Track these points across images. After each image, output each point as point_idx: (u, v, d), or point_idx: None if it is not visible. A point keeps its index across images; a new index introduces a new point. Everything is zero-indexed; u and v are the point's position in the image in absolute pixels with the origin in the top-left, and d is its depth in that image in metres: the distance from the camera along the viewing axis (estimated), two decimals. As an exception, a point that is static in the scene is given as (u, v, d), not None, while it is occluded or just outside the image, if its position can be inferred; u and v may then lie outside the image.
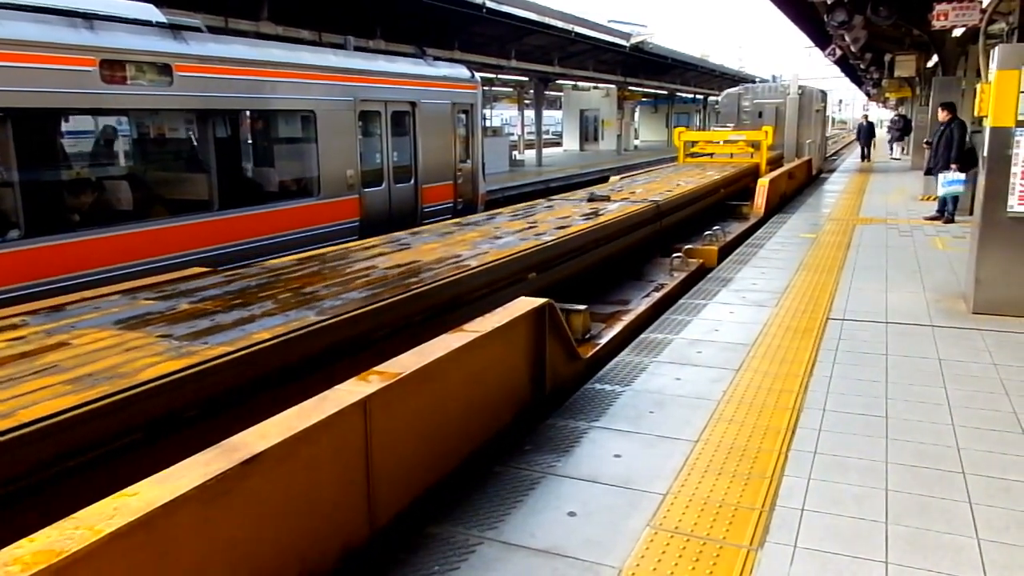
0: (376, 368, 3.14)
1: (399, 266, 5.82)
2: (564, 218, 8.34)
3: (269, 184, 9.05)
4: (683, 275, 8.70)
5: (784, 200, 15.12)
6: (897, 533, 3.07)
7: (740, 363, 5.18)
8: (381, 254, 6.39)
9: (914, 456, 3.76)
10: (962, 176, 11.12)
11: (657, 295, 7.96)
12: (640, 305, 7.59)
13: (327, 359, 4.08)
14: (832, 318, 6.31)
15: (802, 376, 4.91)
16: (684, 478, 3.54)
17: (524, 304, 4.27)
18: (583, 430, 4.10)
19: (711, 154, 18.58)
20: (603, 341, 6.24)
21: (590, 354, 5.68)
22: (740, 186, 14.96)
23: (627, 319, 6.98)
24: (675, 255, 9.11)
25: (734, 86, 23.77)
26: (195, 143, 8.25)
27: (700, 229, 11.28)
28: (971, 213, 8.90)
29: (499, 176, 23.43)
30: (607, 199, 10.00)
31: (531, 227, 7.72)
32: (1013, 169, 6.14)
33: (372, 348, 4.34)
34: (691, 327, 6.09)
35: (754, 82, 24.78)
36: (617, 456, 3.78)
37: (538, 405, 4.36)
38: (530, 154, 32.96)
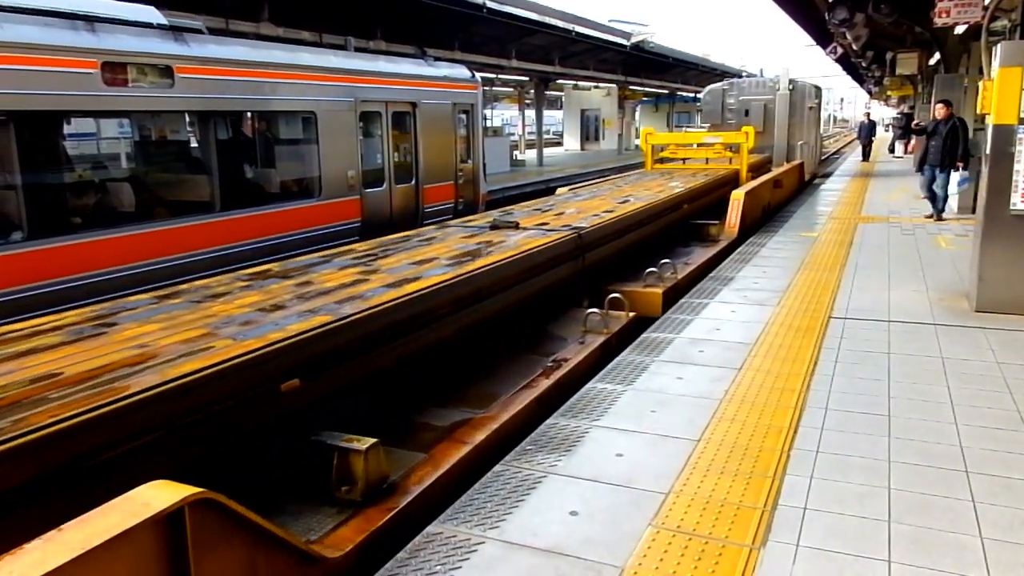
0: None
1: None
2: (427, 261, 5.75)
3: (270, 185, 9.06)
4: (599, 340, 6.06)
5: (767, 213, 12.78)
6: (900, 532, 3.06)
7: (742, 362, 5.17)
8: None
9: (917, 455, 3.75)
10: (967, 174, 11.11)
11: (538, 388, 5.08)
12: (506, 411, 4.69)
13: None
14: (834, 316, 6.30)
15: (804, 375, 4.91)
16: (686, 477, 3.53)
17: (136, 509, 2.10)
18: (585, 429, 4.09)
19: (683, 160, 15.85)
20: (404, 501, 3.61)
21: (360, 541, 3.26)
22: (712, 199, 12.06)
23: (462, 452, 4.11)
24: (589, 311, 6.37)
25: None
26: (196, 145, 8.25)
27: (652, 258, 8.34)
28: (973, 211, 8.89)
29: (500, 176, 23.43)
30: (515, 226, 7.38)
31: (362, 280, 5.13)
32: (1016, 167, 6.12)
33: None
34: (692, 326, 6.09)
35: (740, 76, 22.05)
36: (619, 455, 3.78)
37: None
38: (531, 154, 32.99)
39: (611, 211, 8.48)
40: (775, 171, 15.23)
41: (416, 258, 5.95)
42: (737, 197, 10.81)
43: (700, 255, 9.52)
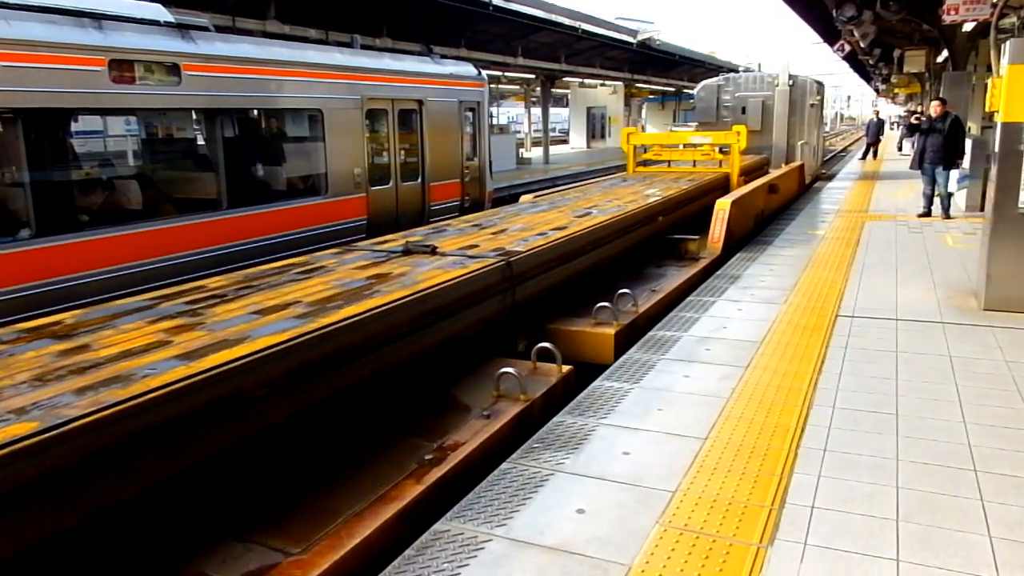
0: None
1: None
2: (280, 308, 4.30)
3: (277, 183, 9.07)
4: (514, 411, 4.52)
5: (760, 223, 11.41)
6: (908, 531, 3.05)
7: (749, 360, 5.16)
8: None
9: (925, 453, 3.74)
10: (967, 171, 11.06)
11: (396, 503, 3.50)
12: (333, 550, 3.13)
13: None
14: (841, 315, 6.28)
15: (812, 373, 4.89)
16: (693, 476, 3.53)
17: None
18: (592, 427, 4.09)
19: (668, 162, 14.38)
20: None
21: None
22: (696, 208, 10.61)
23: None
24: (503, 371, 4.73)
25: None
26: (203, 142, 8.27)
27: (616, 283, 7.19)
28: (981, 209, 8.86)
29: (506, 174, 23.43)
30: (431, 251, 5.88)
31: (162, 344, 3.66)
32: (1025, 165, 6.09)
33: None
34: (699, 324, 6.07)
35: (736, 71, 20.14)
36: (626, 453, 3.77)
37: None
38: (537, 152, 32.97)
39: (564, 227, 7.06)
40: (771, 174, 13.77)
41: (271, 301, 4.44)
42: (722, 207, 9.32)
43: (673, 279, 8.01)
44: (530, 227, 7.22)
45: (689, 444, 3.87)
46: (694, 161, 13.77)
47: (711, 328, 5.96)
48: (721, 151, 13.40)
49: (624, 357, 5.32)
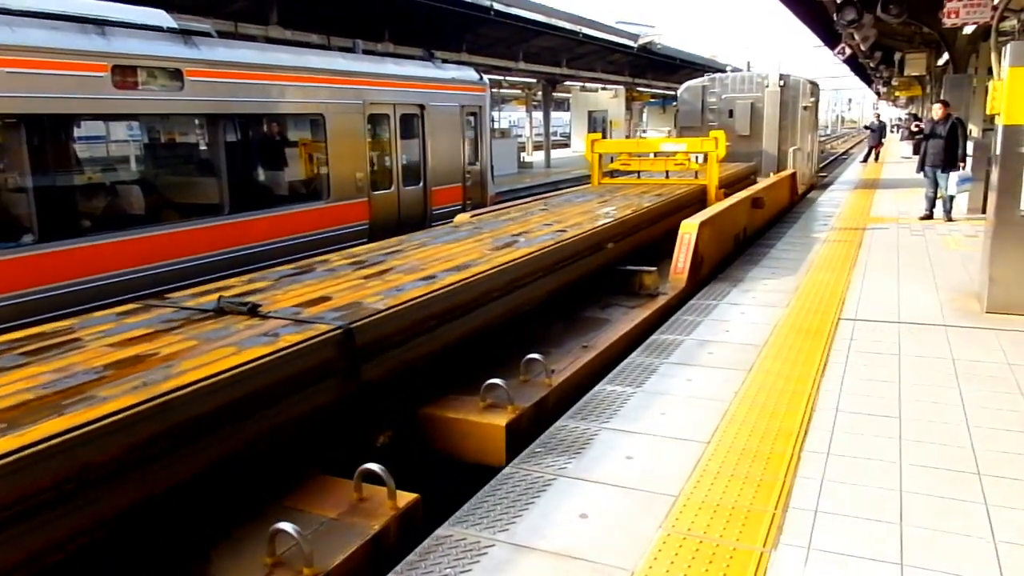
0: None
1: None
2: None
3: (279, 187, 9.10)
4: None
5: (740, 245, 9.82)
6: (912, 535, 3.04)
7: (751, 364, 5.15)
8: None
9: (929, 457, 3.73)
10: (970, 173, 11.05)
11: None
12: None
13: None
14: (844, 318, 6.27)
15: (814, 377, 4.89)
16: (696, 480, 3.52)
17: None
18: (594, 432, 4.09)
19: (638, 173, 12.26)
20: None
21: None
22: (660, 231, 8.78)
23: None
24: (277, 526, 2.95)
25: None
26: (205, 147, 8.29)
27: (539, 334, 5.94)
28: (983, 211, 8.85)
29: (508, 178, 23.46)
30: (250, 312, 4.25)
31: None
32: (1026, 167, 6.08)
33: None
34: (701, 328, 6.07)
35: (724, 71, 18.33)
36: (629, 458, 3.77)
37: None
38: (539, 156, 33.01)
39: (467, 266, 5.43)
40: (757, 185, 12.19)
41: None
42: (688, 230, 7.66)
43: (617, 326, 6.21)
44: (422, 266, 5.50)
45: (692, 448, 3.87)
46: (667, 172, 11.83)
47: (713, 332, 5.96)
48: (697, 160, 11.58)
49: (626, 361, 5.31)
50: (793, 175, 15.10)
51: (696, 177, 11.43)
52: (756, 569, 2.82)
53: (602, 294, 7.22)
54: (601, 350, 5.61)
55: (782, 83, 15.87)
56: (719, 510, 3.24)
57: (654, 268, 7.44)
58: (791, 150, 15.88)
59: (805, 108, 16.16)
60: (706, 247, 7.94)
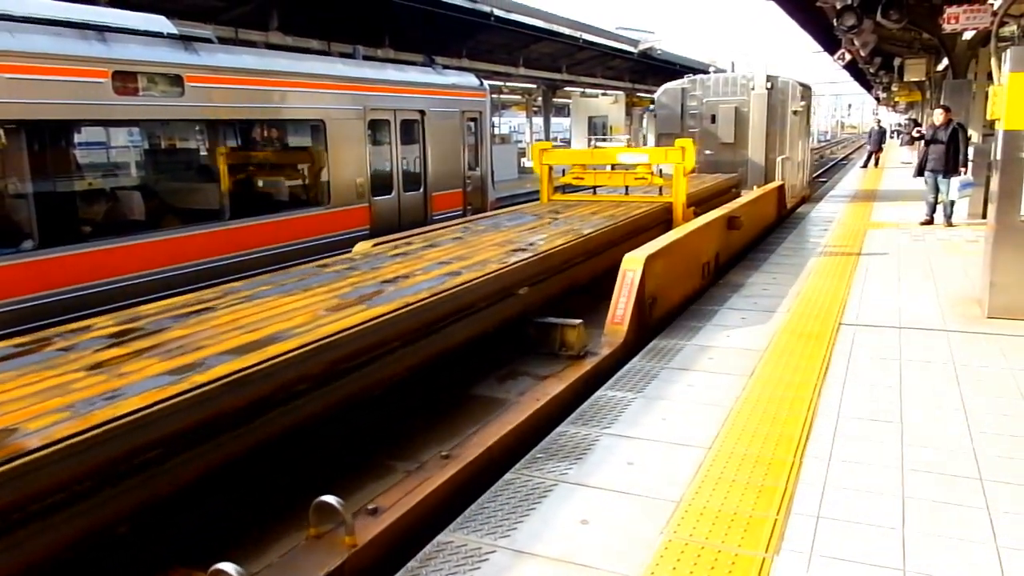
0: None
1: None
2: None
3: (279, 193, 9.10)
4: None
5: (712, 275, 8.22)
6: (914, 540, 3.03)
7: (752, 369, 5.14)
8: None
9: (930, 462, 3.72)
10: (971, 178, 11.06)
11: None
12: None
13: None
14: (845, 323, 6.26)
15: (816, 382, 4.88)
16: (698, 486, 3.51)
17: None
18: (595, 437, 4.07)
19: (594, 188, 10.28)
20: None
21: None
22: (607, 262, 6.77)
23: None
24: None
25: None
26: (205, 153, 8.30)
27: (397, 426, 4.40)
28: (984, 216, 8.85)
29: (508, 183, 23.49)
30: None
31: None
32: (1027, 172, 6.08)
33: None
34: (702, 333, 6.06)
35: (706, 72, 16.48)
36: (630, 463, 3.76)
37: None
38: (539, 161, 33.02)
39: (268, 341, 3.62)
40: (737, 201, 10.36)
41: None
42: (631, 267, 6.02)
43: (510, 413, 4.47)
44: (199, 344, 3.61)
45: (693, 454, 3.85)
46: (626, 187, 9.99)
47: (714, 337, 5.95)
48: (659, 174, 9.53)
49: (627, 367, 5.30)
50: (781, 188, 13.45)
51: (661, 193, 9.51)
52: (758, 575, 2.81)
53: (511, 356, 5.54)
54: (461, 465, 3.74)
55: (769, 85, 14.33)
56: (721, 516, 3.23)
57: (579, 321, 5.59)
58: (779, 159, 14.39)
59: (795, 113, 14.56)
60: (659, 286, 6.33)
